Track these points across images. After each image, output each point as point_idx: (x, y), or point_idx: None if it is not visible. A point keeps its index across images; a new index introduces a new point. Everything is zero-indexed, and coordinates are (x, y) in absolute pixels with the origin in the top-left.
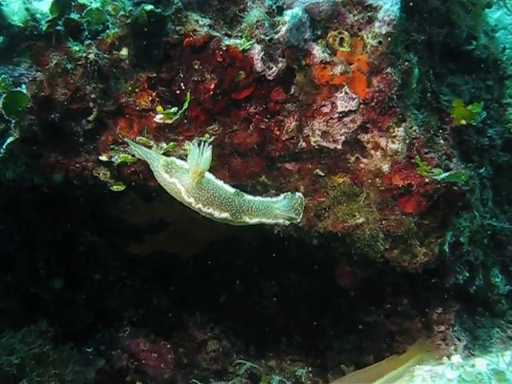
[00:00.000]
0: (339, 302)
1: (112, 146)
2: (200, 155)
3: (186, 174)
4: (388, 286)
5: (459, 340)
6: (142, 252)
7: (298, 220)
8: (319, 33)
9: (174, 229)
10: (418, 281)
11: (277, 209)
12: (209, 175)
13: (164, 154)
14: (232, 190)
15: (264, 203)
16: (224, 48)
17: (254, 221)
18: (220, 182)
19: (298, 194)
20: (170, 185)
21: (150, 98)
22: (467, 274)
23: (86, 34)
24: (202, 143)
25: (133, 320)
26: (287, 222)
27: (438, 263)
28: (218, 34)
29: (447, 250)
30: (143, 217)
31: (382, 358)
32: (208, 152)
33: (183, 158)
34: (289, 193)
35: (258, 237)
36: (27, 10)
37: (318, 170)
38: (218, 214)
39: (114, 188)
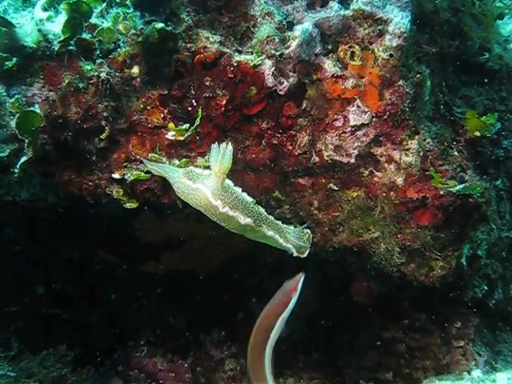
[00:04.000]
0: (356, 318)
1: (125, 164)
2: (222, 153)
3: (208, 178)
4: (405, 300)
5: (479, 355)
6: (157, 270)
7: (305, 254)
8: (330, 47)
9: (190, 247)
10: (435, 295)
11: (288, 233)
12: (228, 181)
13: None
14: (250, 198)
15: (278, 222)
16: (235, 64)
17: (271, 233)
18: (239, 189)
19: (307, 229)
20: (195, 191)
21: (162, 115)
22: (486, 288)
23: (98, 53)
24: (222, 143)
25: (150, 339)
26: (295, 252)
27: (455, 277)
28: (228, 51)
29: (464, 263)
30: (158, 235)
31: (402, 374)
32: (230, 148)
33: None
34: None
35: (274, 254)
36: (40, 31)
37: (331, 185)
38: (243, 220)
39: (127, 205)
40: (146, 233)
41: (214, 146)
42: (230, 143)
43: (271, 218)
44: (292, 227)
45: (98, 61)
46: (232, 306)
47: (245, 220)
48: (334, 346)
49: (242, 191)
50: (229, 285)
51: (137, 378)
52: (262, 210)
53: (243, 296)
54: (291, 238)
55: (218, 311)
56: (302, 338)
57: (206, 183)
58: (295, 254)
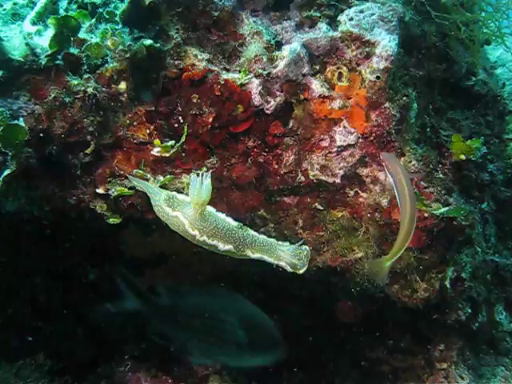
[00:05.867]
0: (341, 337)
1: (109, 179)
2: (200, 185)
3: (188, 206)
4: (389, 321)
5: (462, 378)
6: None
7: (301, 271)
8: (318, 67)
9: (175, 262)
10: (419, 317)
11: (281, 250)
12: (210, 208)
13: (161, 187)
14: (235, 223)
15: (268, 241)
16: (222, 82)
17: (256, 256)
18: (222, 215)
19: (305, 246)
20: (173, 219)
21: (148, 131)
22: (469, 311)
23: (85, 67)
24: (201, 173)
25: (134, 354)
26: (289, 268)
27: (439, 299)
28: (216, 69)
29: (448, 285)
30: (143, 250)
31: None
32: (208, 181)
33: (181, 191)
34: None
35: (259, 271)
36: (27, 45)
37: (316, 204)
38: (222, 247)
39: (111, 221)
40: (130, 247)
41: (193, 176)
42: (209, 176)
43: (261, 238)
44: (287, 243)
45: (85, 76)
46: None
47: (224, 247)
48: (318, 364)
49: (227, 215)
50: None
51: None
52: (249, 233)
53: None
54: (284, 256)
55: None
56: (287, 356)
57: (184, 211)
58: (290, 271)
